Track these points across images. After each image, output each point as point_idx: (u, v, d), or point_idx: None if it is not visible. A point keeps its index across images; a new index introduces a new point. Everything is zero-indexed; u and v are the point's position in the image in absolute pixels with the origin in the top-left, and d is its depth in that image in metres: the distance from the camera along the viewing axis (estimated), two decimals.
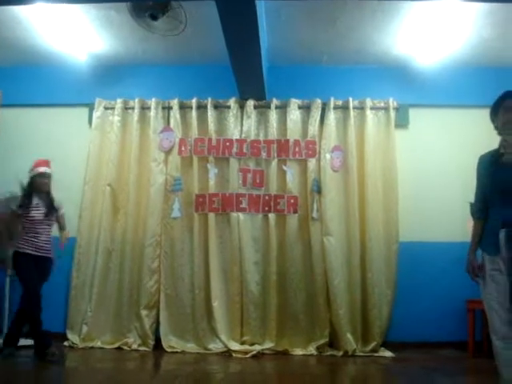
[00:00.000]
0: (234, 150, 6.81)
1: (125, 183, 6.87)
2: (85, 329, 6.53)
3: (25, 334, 6.02)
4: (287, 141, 6.80)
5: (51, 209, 5.87)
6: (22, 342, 6.00)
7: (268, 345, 6.39)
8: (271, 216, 6.69)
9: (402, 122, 7.00)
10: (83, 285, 6.70)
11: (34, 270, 5.66)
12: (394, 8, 5.63)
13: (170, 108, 7.04)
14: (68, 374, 5.42)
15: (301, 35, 6.37)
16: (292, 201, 6.69)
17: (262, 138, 6.92)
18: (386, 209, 6.71)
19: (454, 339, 6.43)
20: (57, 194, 6.70)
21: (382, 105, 6.95)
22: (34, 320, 5.62)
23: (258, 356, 6.19)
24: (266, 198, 6.73)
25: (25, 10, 5.71)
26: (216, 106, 6.98)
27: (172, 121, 6.98)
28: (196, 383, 5.11)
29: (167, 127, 6.98)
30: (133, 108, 7.06)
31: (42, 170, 5.81)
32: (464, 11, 5.59)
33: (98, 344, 6.49)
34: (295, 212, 6.69)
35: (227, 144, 6.83)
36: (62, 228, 6.12)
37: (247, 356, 6.15)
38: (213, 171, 6.82)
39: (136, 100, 7.03)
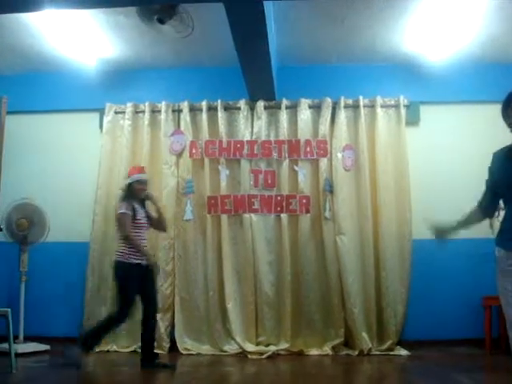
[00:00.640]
0: (245, 151, 6.81)
1: None
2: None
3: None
4: (298, 141, 6.80)
5: (148, 214, 5.84)
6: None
7: (283, 345, 6.38)
8: (284, 216, 6.68)
9: (413, 120, 6.97)
10: (98, 289, 6.72)
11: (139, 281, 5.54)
12: (402, 5, 5.61)
13: (180, 111, 7.06)
14: (85, 378, 5.43)
15: (309, 35, 6.36)
16: (304, 201, 6.69)
17: (272, 138, 6.92)
18: (398, 206, 6.68)
19: (471, 336, 6.40)
20: (70, 198, 6.78)
21: (393, 103, 6.92)
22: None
23: (274, 357, 6.19)
24: (278, 198, 6.73)
25: (33, 17, 5.74)
26: (226, 108, 6.99)
27: (182, 123, 6.99)
28: None
29: (178, 130, 6.99)
30: (143, 112, 7.08)
31: (139, 176, 5.76)
32: (473, 7, 5.55)
33: (114, 348, 6.51)
34: (307, 212, 6.69)
35: (238, 145, 6.83)
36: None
37: (262, 357, 6.16)
38: (224, 173, 6.82)
39: (146, 104, 7.05)
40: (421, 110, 7.01)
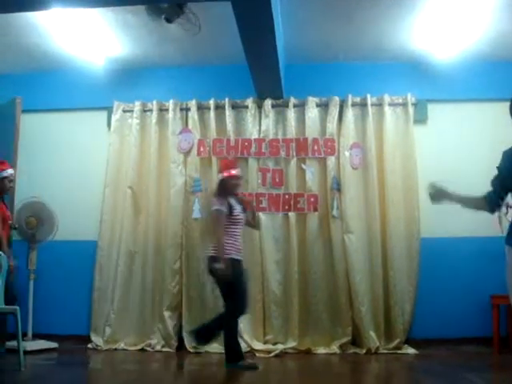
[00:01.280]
0: (253, 149, 6.81)
1: (145, 185, 6.90)
2: (108, 331, 6.58)
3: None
4: (306, 139, 6.79)
5: (244, 210, 5.73)
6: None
7: (291, 344, 6.38)
8: (291, 215, 6.68)
9: (421, 118, 6.95)
10: (106, 287, 6.74)
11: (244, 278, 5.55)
12: (410, 3, 5.60)
13: (187, 109, 7.07)
14: (92, 376, 5.45)
15: (317, 33, 6.36)
16: (312, 199, 6.69)
17: (280, 137, 6.91)
18: (406, 205, 6.67)
19: (479, 335, 6.38)
20: (78, 197, 6.79)
21: (400, 101, 6.91)
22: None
23: (281, 355, 6.20)
24: (286, 196, 6.73)
25: (41, 16, 5.76)
26: (234, 106, 6.99)
27: (190, 122, 7.00)
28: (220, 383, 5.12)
29: (186, 128, 7.00)
30: (151, 110, 7.09)
31: (234, 172, 5.65)
32: (481, 4, 5.53)
33: (122, 346, 6.53)
34: (315, 210, 6.68)
35: (246, 144, 6.83)
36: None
37: (270, 355, 6.16)
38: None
39: (154, 102, 7.06)
40: (429, 108, 6.98)
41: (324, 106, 6.93)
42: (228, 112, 6.92)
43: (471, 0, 5.43)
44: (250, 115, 6.92)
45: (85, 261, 6.74)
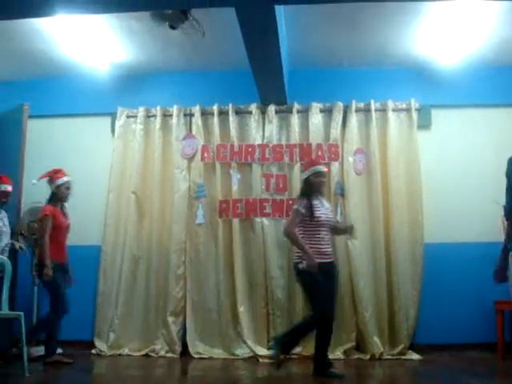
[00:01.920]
0: (257, 155, 6.82)
1: (149, 191, 6.92)
2: (112, 336, 6.58)
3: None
4: (309, 145, 6.80)
5: (329, 209, 5.59)
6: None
7: (295, 350, 6.36)
8: None
9: (425, 123, 6.95)
10: (110, 292, 6.75)
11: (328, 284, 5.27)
12: (414, 9, 5.60)
13: (191, 115, 7.08)
14: (96, 382, 5.46)
15: (321, 39, 6.37)
16: None
17: (284, 142, 6.92)
18: (410, 210, 6.67)
19: (483, 341, 6.36)
20: (82, 202, 6.80)
21: (404, 106, 6.91)
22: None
23: (285, 361, 6.18)
24: (290, 202, 6.71)
25: (46, 23, 5.78)
26: (237, 112, 7.00)
27: (194, 127, 7.02)
28: None
29: (189, 134, 7.01)
30: (155, 116, 7.11)
31: (316, 168, 5.44)
32: (484, 10, 5.53)
33: (126, 351, 6.53)
34: None
35: (249, 149, 6.84)
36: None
37: (274, 361, 6.14)
38: (236, 177, 6.83)
39: (158, 108, 7.08)
40: (432, 113, 6.98)
41: (328, 112, 6.94)
42: (232, 118, 6.93)
43: (475, 6, 5.43)
44: (253, 121, 6.93)
45: (89, 265, 6.74)
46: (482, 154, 6.71)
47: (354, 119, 6.85)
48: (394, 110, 6.89)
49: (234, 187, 6.81)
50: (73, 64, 6.89)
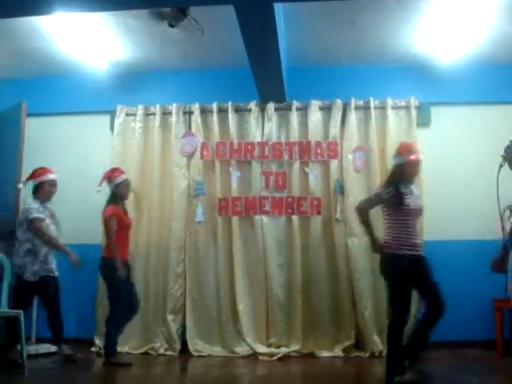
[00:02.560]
0: (256, 152, 6.82)
1: (148, 189, 6.92)
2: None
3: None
4: (309, 142, 6.80)
5: (418, 197, 5.14)
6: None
7: (294, 347, 6.38)
8: (294, 218, 6.69)
9: (424, 121, 6.95)
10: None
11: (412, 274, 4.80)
12: (413, 6, 5.59)
13: (191, 113, 7.08)
14: (96, 380, 5.46)
15: (320, 36, 6.36)
16: (315, 202, 6.69)
17: (283, 140, 6.92)
18: None
19: (481, 338, 6.37)
20: (81, 200, 6.79)
21: (403, 104, 6.91)
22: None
23: (284, 358, 6.20)
24: (289, 200, 6.73)
25: (44, 21, 5.78)
26: (237, 110, 7.00)
27: (193, 125, 7.02)
28: None
29: (189, 132, 7.01)
30: (154, 114, 7.11)
31: (416, 156, 5.02)
32: (484, 7, 5.53)
33: (125, 349, 6.50)
34: (318, 214, 6.68)
35: (249, 147, 6.85)
36: None
37: (273, 358, 6.16)
38: (235, 175, 6.84)
39: (157, 106, 7.08)
40: (432, 111, 6.99)
41: (327, 110, 6.94)
42: (231, 115, 6.93)
43: (474, 3, 5.43)
44: (252, 118, 6.93)
45: (89, 264, 6.72)
46: (482, 152, 6.70)
47: (353, 117, 6.85)
48: (393, 108, 6.89)
49: (234, 185, 6.81)
50: (71, 62, 6.89)
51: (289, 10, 5.58)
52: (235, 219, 6.74)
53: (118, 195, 6.10)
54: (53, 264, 5.99)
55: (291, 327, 6.51)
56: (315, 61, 6.96)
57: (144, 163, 7.01)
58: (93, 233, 6.78)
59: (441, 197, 6.71)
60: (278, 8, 4.99)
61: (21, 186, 6.34)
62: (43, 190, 6.11)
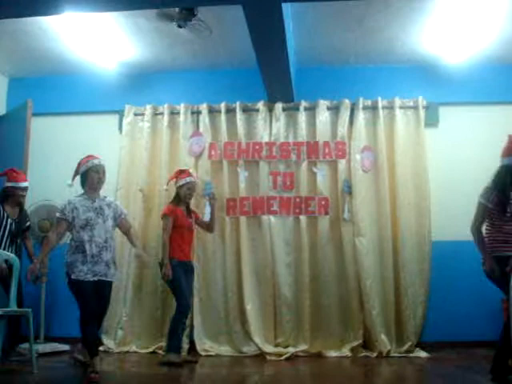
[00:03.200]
0: (264, 152, 6.82)
1: (156, 188, 6.92)
2: (120, 333, 6.60)
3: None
4: (317, 142, 6.80)
5: None
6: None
7: (302, 347, 6.38)
8: (302, 218, 6.69)
9: (432, 121, 6.94)
10: (118, 289, 6.71)
11: None
12: (421, 6, 5.59)
13: (199, 113, 7.09)
14: (104, 379, 5.46)
15: (327, 36, 6.37)
16: (323, 202, 6.69)
17: (291, 140, 6.93)
18: (417, 208, 6.66)
19: (491, 338, 6.34)
20: None
21: (411, 104, 6.90)
22: None
23: (292, 358, 6.20)
24: (297, 200, 6.73)
25: (53, 21, 5.81)
26: (245, 110, 7.01)
27: (201, 125, 7.03)
28: None
29: (197, 132, 7.02)
30: (162, 113, 7.12)
31: None
32: (491, 7, 5.52)
33: (133, 348, 6.54)
34: (326, 214, 6.68)
35: (257, 147, 6.85)
36: None
37: (281, 358, 6.16)
38: (243, 175, 6.84)
39: (165, 105, 7.09)
40: (440, 111, 6.98)
41: (335, 109, 6.93)
42: (239, 115, 6.94)
43: (482, 3, 5.42)
44: (260, 118, 6.93)
45: None
46: (490, 152, 6.64)
47: (361, 116, 6.84)
48: (401, 108, 6.88)
49: (242, 185, 6.81)
50: (80, 62, 6.93)
51: (297, 10, 5.59)
52: (243, 219, 6.74)
53: (179, 196, 6.18)
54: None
55: (299, 327, 6.51)
56: (323, 61, 6.97)
57: (152, 163, 7.02)
58: None
59: (449, 197, 6.71)
60: (287, 8, 4.99)
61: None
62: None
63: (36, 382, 4.99)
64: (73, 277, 5.02)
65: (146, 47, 6.65)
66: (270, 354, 6.26)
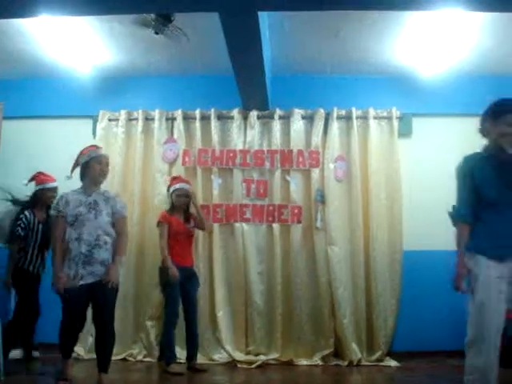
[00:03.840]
0: (238, 160, 6.82)
1: (130, 194, 6.87)
2: (90, 340, 6.52)
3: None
4: (291, 151, 6.82)
5: None
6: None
7: (273, 355, 6.38)
8: (275, 226, 6.70)
9: (405, 131, 7.00)
10: None
11: None
12: (395, 18, 5.62)
13: (173, 119, 7.07)
14: None
15: (303, 46, 6.39)
16: (296, 211, 6.70)
17: (265, 148, 6.93)
18: (389, 218, 6.71)
19: (462, 348, 6.39)
20: None
21: (385, 114, 6.95)
22: None
23: (263, 366, 6.19)
24: (270, 208, 6.74)
25: (28, 23, 5.75)
26: (219, 117, 7.00)
27: (176, 132, 7.01)
28: None
29: (171, 138, 7.00)
30: (137, 119, 7.08)
31: None
32: (466, 20, 5.58)
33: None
34: (299, 222, 6.70)
35: (231, 155, 6.85)
36: None
37: (252, 366, 6.16)
38: (217, 182, 6.83)
39: (140, 111, 7.06)
40: (413, 121, 7.04)
41: (309, 119, 6.96)
42: (213, 122, 6.93)
43: (456, 16, 5.47)
44: (235, 126, 6.93)
45: None
46: None
47: (335, 126, 6.87)
48: (375, 118, 6.93)
49: (215, 192, 6.81)
50: (54, 65, 6.86)
51: (273, 19, 5.61)
52: (216, 226, 6.73)
53: (172, 203, 6.19)
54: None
55: (270, 335, 6.52)
56: (298, 70, 6.99)
57: (126, 169, 6.99)
58: None
59: (421, 207, 6.75)
60: (263, 17, 5.01)
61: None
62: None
63: None
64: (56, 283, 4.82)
65: (121, 52, 6.61)
66: (240, 361, 6.26)
